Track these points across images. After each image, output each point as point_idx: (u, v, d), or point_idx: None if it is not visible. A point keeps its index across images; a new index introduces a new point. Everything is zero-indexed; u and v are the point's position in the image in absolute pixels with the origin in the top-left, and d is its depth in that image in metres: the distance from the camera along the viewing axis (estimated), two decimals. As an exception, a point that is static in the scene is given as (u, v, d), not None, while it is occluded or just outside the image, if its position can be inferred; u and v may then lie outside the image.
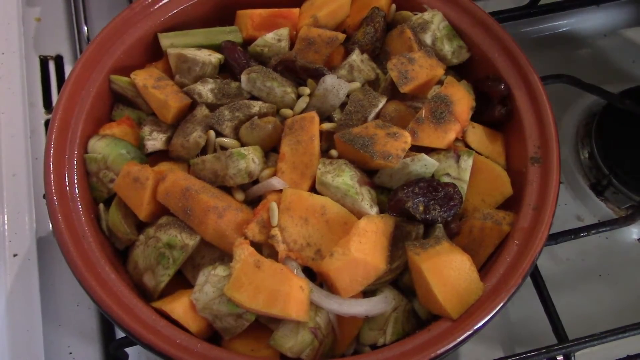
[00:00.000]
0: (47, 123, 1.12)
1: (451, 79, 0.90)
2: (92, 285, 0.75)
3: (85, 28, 1.21)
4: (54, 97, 1.16)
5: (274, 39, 0.94)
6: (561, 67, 1.16)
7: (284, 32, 0.95)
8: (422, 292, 0.77)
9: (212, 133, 0.85)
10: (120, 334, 0.95)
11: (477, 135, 0.90)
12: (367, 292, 0.80)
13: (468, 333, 0.73)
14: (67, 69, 1.19)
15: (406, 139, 0.82)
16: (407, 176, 0.83)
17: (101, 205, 0.85)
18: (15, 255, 0.96)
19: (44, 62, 1.20)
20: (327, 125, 0.86)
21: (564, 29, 1.28)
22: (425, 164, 0.83)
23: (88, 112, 0.88)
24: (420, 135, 0.84)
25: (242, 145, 0.85)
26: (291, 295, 0.73)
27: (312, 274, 0.79)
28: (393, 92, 0.91)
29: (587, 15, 1.28)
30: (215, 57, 0.92)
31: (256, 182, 0.84)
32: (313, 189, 0.82)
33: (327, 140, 0.86)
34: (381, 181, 0.84)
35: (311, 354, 0.75)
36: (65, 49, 1.21)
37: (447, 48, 0.95)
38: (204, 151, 0.86)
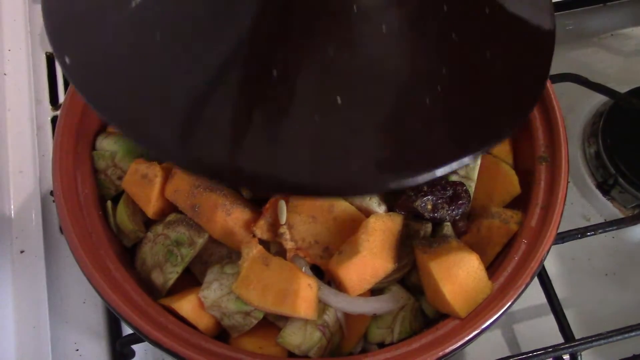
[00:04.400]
0: (53, 120, 1.12)
1: (459, 77, 0.90)
2: (99, 282, 0.75)
3: (92, 25, 1.21)
4: (61, 93, 1.16)
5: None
6: (567, 66, 1.16)
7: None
8: (430, 291, 0.77)
9: (220, 130, 0.85)
10: (127, 331, 0.95)
11: (484, 134, 0.89)
12: (375, 291, 0.80)
13: (476, 332, 0.73)
14: (74, 65, 1.19)
15: (414, 137, 0.81)
16: (415, 175, 0.83)
17: (109, 203, 0.84)
18: (22, 251, 0.96)
19: (50, 58, 1.19)
20: (335, 123, 0.86)
21: (570, 28, 1.28)
22: (433, 163, 0.82)
23: (96, 109, 0.87)
24: (428, 134, 0.84)
25: (250, 142, 0.85)
26: (299, 293, 0.72)
27: (320, 272, 0.79)
28: (401, 91, 0.90)
29: (593, 14, 1.27)
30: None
31: (264, 179, 0.84)
32: (321, 187, 0.82)
33: (335, 138, 0.86)
34: (389, 179, 0.84)
35: (319, 352, 0.75)
36: (71, 46, 1.21)
37: (455, 46, 0.94)
38: (211, 149, 0.86)
